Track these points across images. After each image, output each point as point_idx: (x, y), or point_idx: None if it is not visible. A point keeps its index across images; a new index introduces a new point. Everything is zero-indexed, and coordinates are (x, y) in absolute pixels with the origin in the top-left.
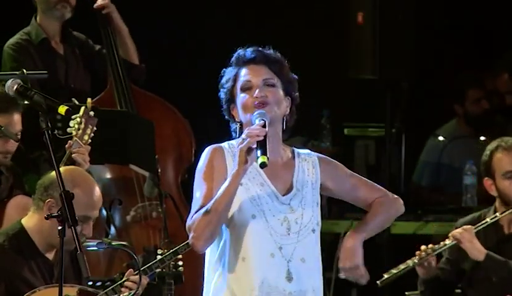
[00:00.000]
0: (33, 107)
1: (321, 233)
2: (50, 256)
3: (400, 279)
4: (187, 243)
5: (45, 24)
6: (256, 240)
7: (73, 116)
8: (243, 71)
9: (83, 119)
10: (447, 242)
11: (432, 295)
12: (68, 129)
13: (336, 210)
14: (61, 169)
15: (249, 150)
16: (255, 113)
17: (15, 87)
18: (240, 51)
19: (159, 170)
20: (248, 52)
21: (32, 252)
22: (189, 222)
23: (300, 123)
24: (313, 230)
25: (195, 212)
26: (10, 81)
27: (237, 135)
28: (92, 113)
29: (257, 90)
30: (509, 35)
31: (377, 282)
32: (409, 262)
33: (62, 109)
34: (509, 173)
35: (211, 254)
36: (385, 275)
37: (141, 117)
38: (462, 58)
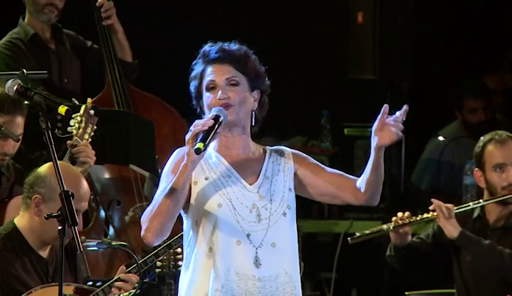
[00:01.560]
0: (33, 107)
1: (321, 233)
2: (44, 253)
3: (400, 279)
4: (181, 235)
5: (33, 23)
6: (222, 229)
7: (73, 115)
8: (208, 70)
9: (84, 118)
10: (426, 215)
11: (401, 262)
12: (69, 128)
13: (336, 210)
14: (46, 165)
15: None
16: (214, 108)
17: (15, 87)
18: (206, 47)
19: (159, 170)
20: (213, 50)
21: (25, 250)
22: (142, 216)
23: (300, 123)
24: (284, 214)
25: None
26: (10, 81)
27: None
28: (92, 111)
29: (220, 92)
30: (510, 35)
31: (348, 239)
32: (384, 226)
33: (62, 109)
34: (498, 166)
35: (185, 250)
36: (357, 234)
37: (141, 117)
38: (463, 58)
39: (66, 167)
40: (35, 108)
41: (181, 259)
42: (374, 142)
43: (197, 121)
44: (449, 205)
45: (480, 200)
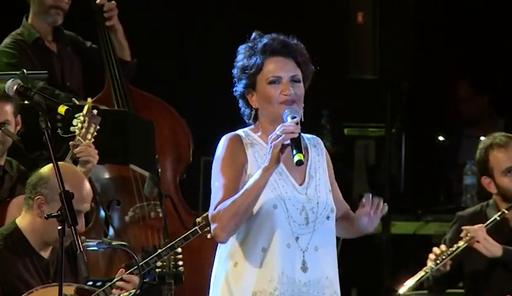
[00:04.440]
0: (32, 107)
1: None
2: (45, 254)
3: (400, 279)
4: (185, 236)
5: (36, 24)
6: (276, 230)
7: (76, 115)
8: (271, 65)
9: (86, 118)
10: (460, 243)
11: (441, 289)
12: (71, 128)
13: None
14: (49, 166)
15: (282, 147)
16: (286, 109)
17: (15, 87)
18: (266, 41)
19: (159, 170)
20: (276, 43)
21: (27, 251)
22: (212, 212)
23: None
24: (328, 218)
25: (218, 202)
26: (10, 81)
27: (250, 120)
28: (95, 111)
29: (289, 87)
30: (509, 32)
31: (399, 292)
32: (427, 269)
33: (62, 109)
34: (508, 169)
35: (225, 245)
36: (405, 284)
37: (141, 117)
38: (462, 58)
39: (69, 168)
40: (35, 108)
41: (181, 260)
42: (360, 223)
43: (284, 127)
44: (479, 226)
45: (504, 210)
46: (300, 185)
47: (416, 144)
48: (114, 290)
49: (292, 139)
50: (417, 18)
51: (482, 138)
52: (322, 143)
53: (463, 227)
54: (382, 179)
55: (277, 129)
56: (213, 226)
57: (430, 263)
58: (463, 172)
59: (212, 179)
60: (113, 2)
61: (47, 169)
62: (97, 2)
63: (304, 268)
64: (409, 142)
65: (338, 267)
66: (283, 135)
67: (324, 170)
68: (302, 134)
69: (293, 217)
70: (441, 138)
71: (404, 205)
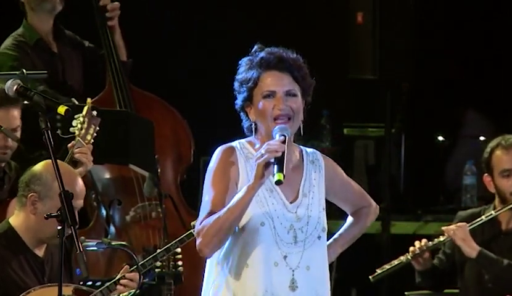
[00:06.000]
0: (32, 107)
1: None
2: (39, 252)
3: (400, 279)
4: (180, 239)
5: (37, 23)
6: (262, 248)
7: (75, 116)
8: (267, 79)
9: (86, 119)
10: (441, 238)
11: (429, 284)
12: (71, 129)
13: (336, 210)
14: (41, 163)
15: (267, 165)
16: (276, 127)
17: (15, 87)
18: (263, 55)
19: (159, 170)
20: (272, 57)
21: (21, 249)
22: (197, 227)
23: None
24: (319, 237)
25: (204, 217)
26: (10, 81)
27: (250, 133)
28: (95, 112)
29: (283, 102)
30: (509, 33)
31: (370, 277)
32: (403, 258)
33: (62, 109)
34: (506, 172)
35: (212, 257)
36: (378, 271)
37: (141, 117)
38: (463, 58)
39: (61, 165)
40: (35, 108)
41: (181, 260)
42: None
43: (269, 145)
44: (461, 225)
45: (492, 212)
46: (291, 202)
47: (416, 144)
48: (118, 287)
49: (275, 158)
50: (417, 18)
51: (482, 138)
52: (321, 159)
53: (443, 228)
54: (382, 179)
55: (262, 147)
56: (197, 241)
57: (408, 254)
58: (463, 172)
59: (203, 192)
60: (116, 2)
61: (39, 166)
62: (100, 3)
63: (293, 287)
64: (409, 142)
65: (340, 268)
66: (267, 155)
67: (320, 188)
68: (303, 147)
69: (280, 236)
70: (441, 138)
71: (404, 205)
